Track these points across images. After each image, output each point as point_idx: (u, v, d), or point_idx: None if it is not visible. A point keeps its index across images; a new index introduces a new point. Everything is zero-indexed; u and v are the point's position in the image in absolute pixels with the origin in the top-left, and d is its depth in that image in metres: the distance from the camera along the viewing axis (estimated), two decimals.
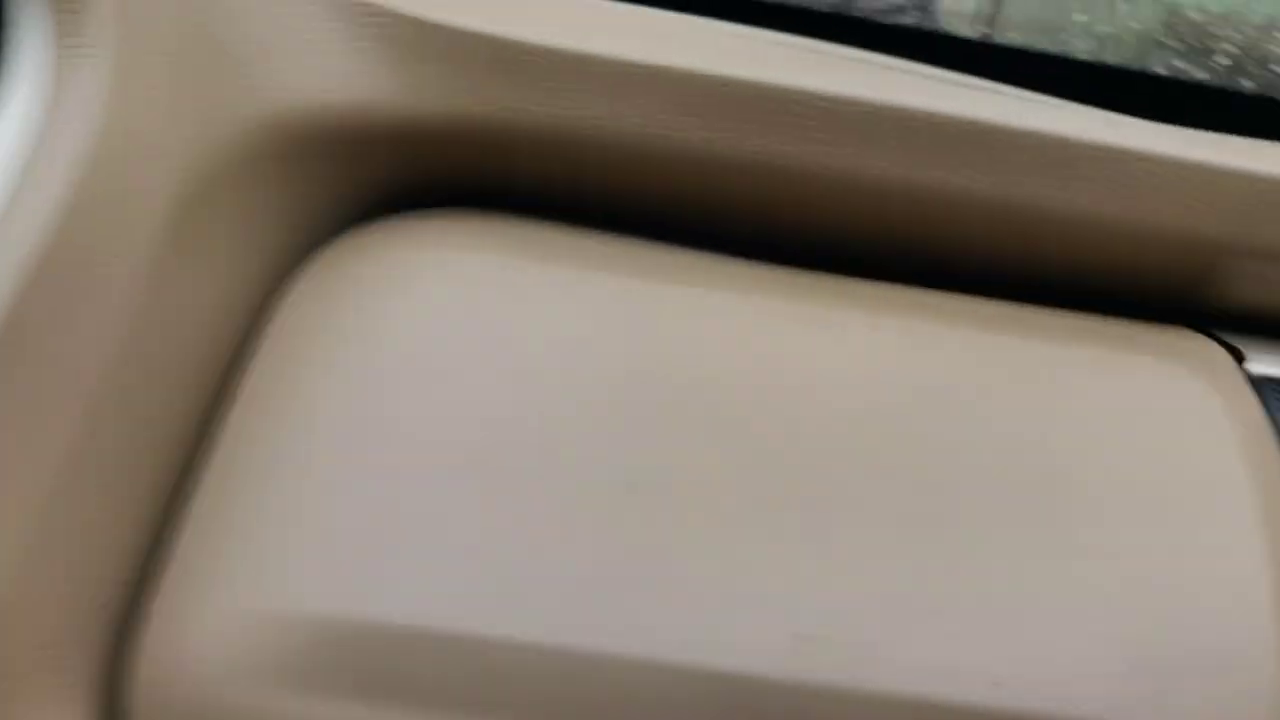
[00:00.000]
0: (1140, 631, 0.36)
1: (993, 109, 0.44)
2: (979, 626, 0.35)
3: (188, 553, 0.35)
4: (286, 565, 0.34)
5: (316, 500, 0.35)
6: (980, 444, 0.39)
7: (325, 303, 0.40)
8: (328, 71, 0.40)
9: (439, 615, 0.34)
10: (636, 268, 0.43)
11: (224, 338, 0.38)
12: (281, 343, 0.39)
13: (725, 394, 0.39)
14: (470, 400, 0.38)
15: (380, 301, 0.40)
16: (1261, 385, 0.44)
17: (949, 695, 0.34)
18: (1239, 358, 0.45)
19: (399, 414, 0.37)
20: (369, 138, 0.41)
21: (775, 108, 0.42)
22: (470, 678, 0.33)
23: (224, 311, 0.38)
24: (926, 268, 0.46)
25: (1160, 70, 0.48)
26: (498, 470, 0.36)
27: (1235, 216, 0.44)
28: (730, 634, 0.34)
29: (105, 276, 0.32)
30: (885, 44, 0.48)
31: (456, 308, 0.40)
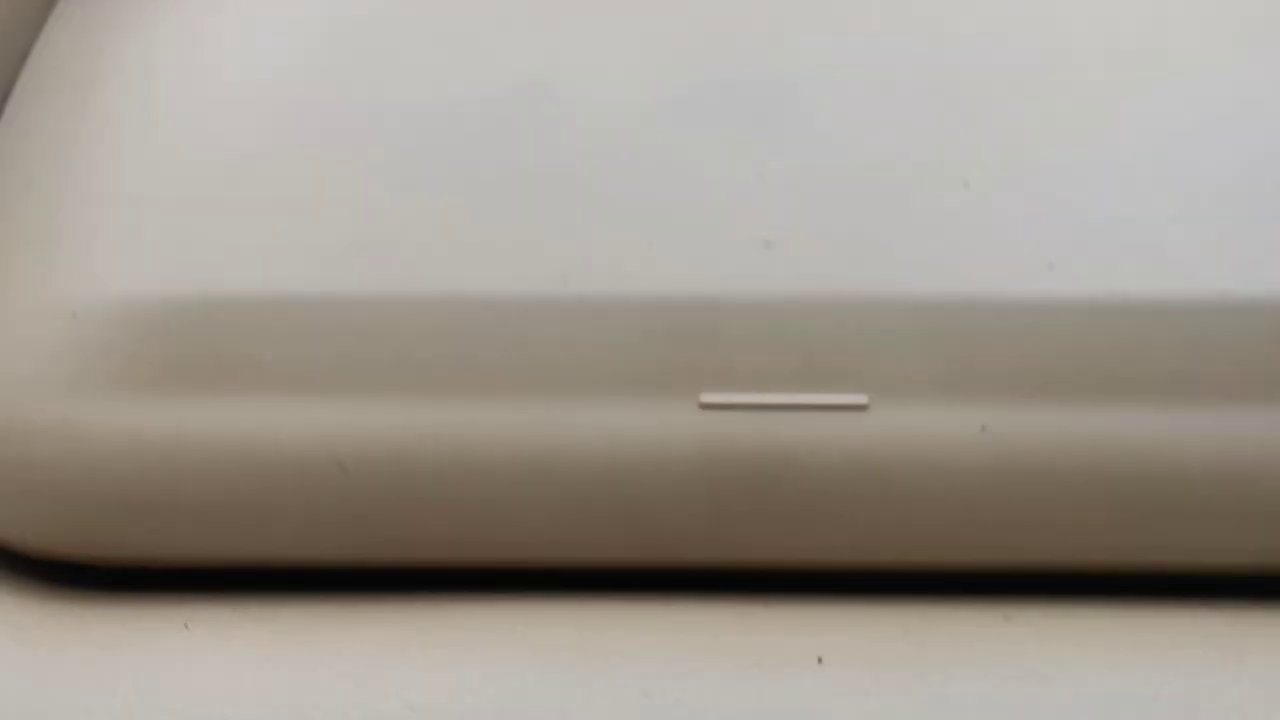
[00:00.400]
0: (1235, 186, 0.31)
1: None
2: (1020, 201, 0.30)
3: None
4: (90, 249, 0.31)
5: (114, 176, 0.32)
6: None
7: None
8: None
9: (293, 280, 0.30)
10: None
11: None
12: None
13: None
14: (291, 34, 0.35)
15: None
16: None
17: (986, 286, 0.29)
18: None
19: (206, 64, 0.34)
20: None
21: None
22: (346, 343, 0.30)
23: None
24: None
25: None
26: (338, 109, 0.33)
27: None
28: (675, 255, 0.30)
29: None
30: None
31: None
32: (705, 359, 0.29)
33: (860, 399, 0.29)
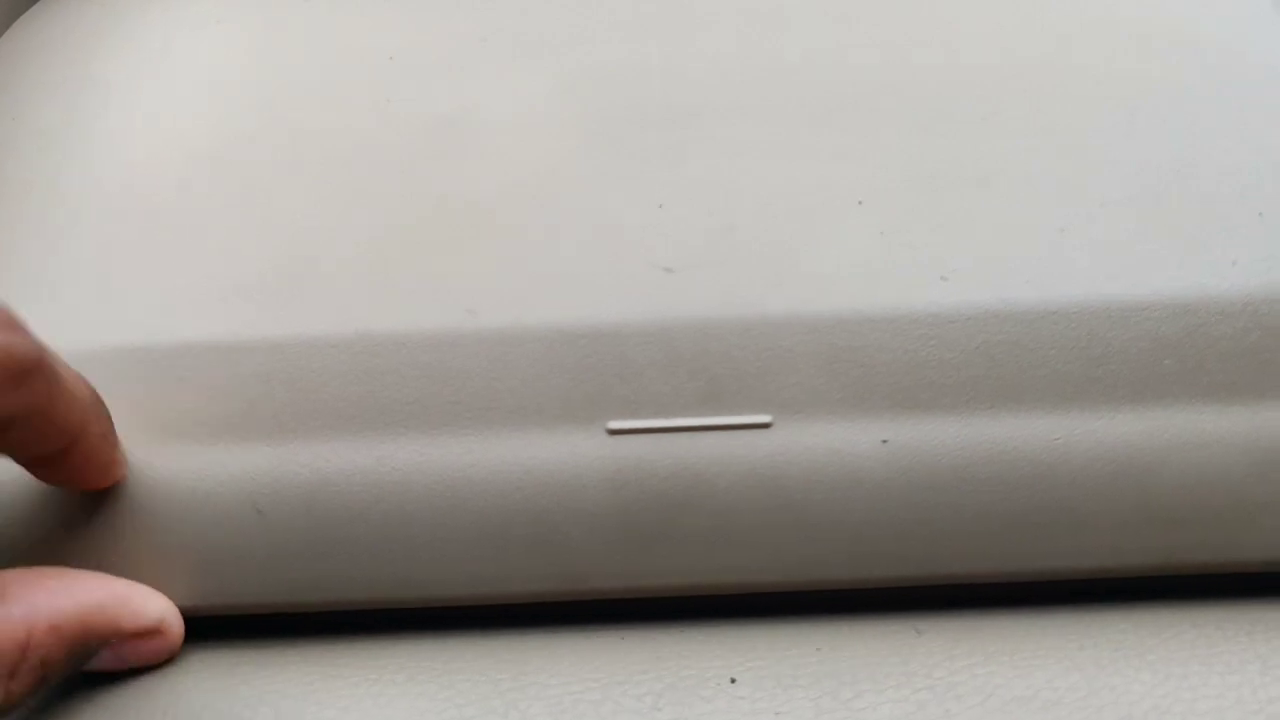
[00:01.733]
0: (1123, 193, 0.32)
1: None
2: (912, 217, 0.32)
3: None
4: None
5: (22, 232, 0.33)
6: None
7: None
8: None
9: (201, 326, 0.30)
10: None
11: None
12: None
13: None
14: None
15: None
16: None
17: (880, 301, 0.30)
18: None
19: (110, 114, 0.36)
20: None
21: None
22: (255, 387, 0.30)
23: None
24: None
25: None
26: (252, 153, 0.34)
27: None
28: (579, 285, 0.31)
29: None
30: None
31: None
32: (612, 386, 0.30)
33: (764, 418, 0.29)
